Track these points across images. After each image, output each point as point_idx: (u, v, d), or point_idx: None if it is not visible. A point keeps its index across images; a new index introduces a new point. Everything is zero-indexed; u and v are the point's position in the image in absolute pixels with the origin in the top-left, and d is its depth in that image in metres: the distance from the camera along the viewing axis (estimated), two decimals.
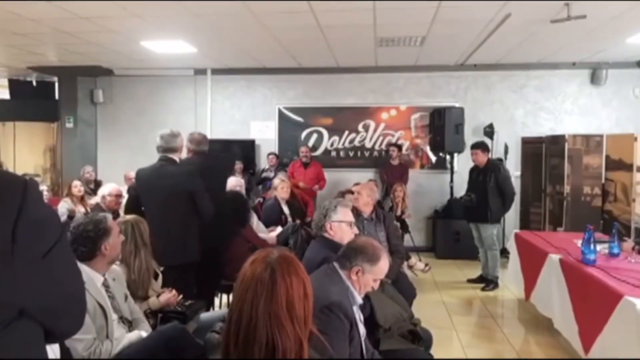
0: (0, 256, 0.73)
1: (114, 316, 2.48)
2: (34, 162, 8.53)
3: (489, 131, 7.57)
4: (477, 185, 5.81)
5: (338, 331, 2.02)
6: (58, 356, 1.84)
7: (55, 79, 8.72)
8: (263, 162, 8.09)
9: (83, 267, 2.36)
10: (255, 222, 4.68)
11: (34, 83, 9.17)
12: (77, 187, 5.80)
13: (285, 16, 5.08)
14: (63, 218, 5.13)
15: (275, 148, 8.16)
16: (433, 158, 8.02)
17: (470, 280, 5.98)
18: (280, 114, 8.29)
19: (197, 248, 3.66)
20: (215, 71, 8.27)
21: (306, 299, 1.42)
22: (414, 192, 7.59)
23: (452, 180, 7.50)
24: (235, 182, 4.88)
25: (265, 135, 8.29)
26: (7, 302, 0.75)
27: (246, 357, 1.33)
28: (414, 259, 5.41)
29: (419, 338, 2.77)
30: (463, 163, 7.35)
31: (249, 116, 8.36)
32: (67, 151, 8.44)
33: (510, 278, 5.28)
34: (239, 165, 7.49)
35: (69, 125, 8.41)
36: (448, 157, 7.70)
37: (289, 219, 5.24)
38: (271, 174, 7.31)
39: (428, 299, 5.20)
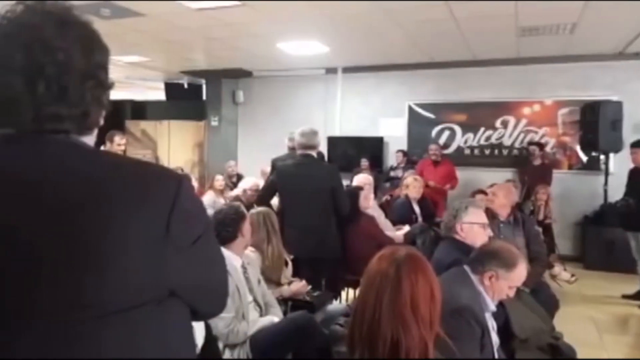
0: (156, 242, 0.80)
1: (249, 298, 2.66)
2: (185, 157, 9.44)
3: None
4: (637, 188, 5.10)
5: (467, 337, 1.92)
6: (203, 332, 2.02)
7: (203, 81, 9.57)
8: (391, 159, 8.00)
9: (224, 251, 2.56)
10: (383, 220, 4.63)
11: (185, 85, 10.17)
12: (219, 181, 6.36)
13: (418, 10, 4.95)
14: (210, 209, 5.57)
15: (404, 145, 8.02)
16: (584, 158, 7.23)
17: (626, 296, 5.27)
18: (411, 110, 8.12)
19: (338, 245, 3.80)
20: (346, 69, 8.38)
21: (433, 301, 1.37)
22: (560, 195, 6.91)
23: (606, 183, 6.68)
24: (364, 180, 4.83)
25: (394, 132, 8.19)
26: (161, 283, 0.82)
27: (370, 351, 1.32)
28: (557, 268, 4.95)
29: (560, 353, 2.51)
30: (620, 164, 6.50)
31: (378, 113, 8.33)
32: (212, 147, 9.23)
33: None
34: (365, 163, 7.50)
35: (214, 123, 9.18)
36: (602, 156, 6.88)
37: (419, 219, 5.10)
38: (399, 172, 7.19)
39: (573, 313, 4.69)
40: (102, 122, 0.93)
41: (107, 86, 0.90)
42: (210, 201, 5.98)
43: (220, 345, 2.46)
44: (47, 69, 0.80)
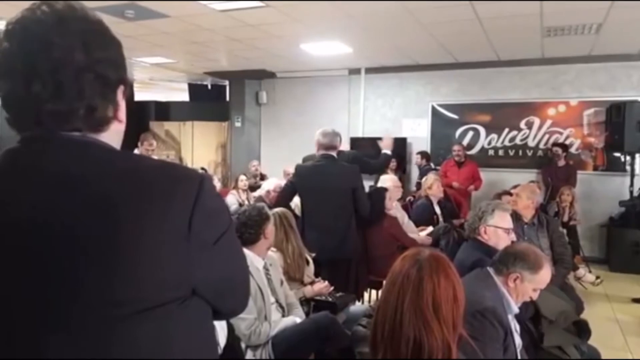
0: (179, 240, 0.81)
1: (271, 299, 2.68)
2: (208, 157, 9.56)
3: None
4: None
5: (491, 338, 1.92)
6: (225, 332, 2.05)
7: (226, 82, 9.66)
8: (415, 160, 7.96)
9: (246, 252, 2.59)
10: (406, 221, 4.62)
11: (209, 86, 10.29)
12: (243, 181, 6.45)
13: (442, 10, 4.93)
14: (233, 207, 5.63)
15: (427, 146, 7.98)
16: (609, 159, 7.09)
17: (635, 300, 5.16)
18: (434, 111, 8.06)
19: (358, 246, 3.80)
20: (369, 70, 8.37)
21: (455, 302, 1.37)
22: (585, 196, 6.80)
23: (632, 184, 6.56)
24: (392, 181, 4.78)
25: (417, 133, 8.15)
26: (183, 283, 0.83)
27: (392, 352, 1.33)
28: (582, 270, 4.87)
29: (585, 330, 2.59)
30: None
31: (401, 114, 8.30)
32: (235, 148, 9.32)
33: None
34: (393, 164, 7.47)
35: (238, 124, 9.26)
36: (628, 158, 6.75)
37: (441, 219, 5.08)
38: (417, 174, 7.13)
39: (598, 315, 4.61)
40: (123, 120, 0.91)
41: (116, 81, 0.87)
42: (236, 201, 6.06)
43: (243, 346, 2.49)
44: (40, 67, 0.79)
